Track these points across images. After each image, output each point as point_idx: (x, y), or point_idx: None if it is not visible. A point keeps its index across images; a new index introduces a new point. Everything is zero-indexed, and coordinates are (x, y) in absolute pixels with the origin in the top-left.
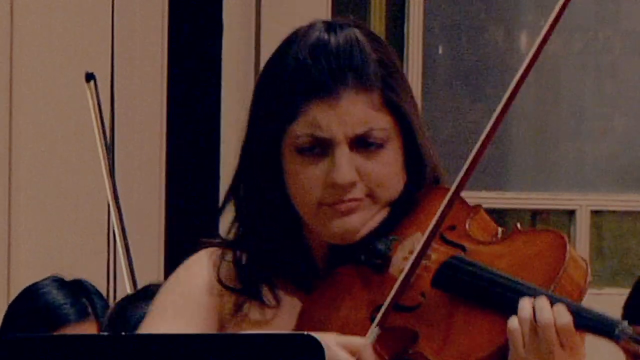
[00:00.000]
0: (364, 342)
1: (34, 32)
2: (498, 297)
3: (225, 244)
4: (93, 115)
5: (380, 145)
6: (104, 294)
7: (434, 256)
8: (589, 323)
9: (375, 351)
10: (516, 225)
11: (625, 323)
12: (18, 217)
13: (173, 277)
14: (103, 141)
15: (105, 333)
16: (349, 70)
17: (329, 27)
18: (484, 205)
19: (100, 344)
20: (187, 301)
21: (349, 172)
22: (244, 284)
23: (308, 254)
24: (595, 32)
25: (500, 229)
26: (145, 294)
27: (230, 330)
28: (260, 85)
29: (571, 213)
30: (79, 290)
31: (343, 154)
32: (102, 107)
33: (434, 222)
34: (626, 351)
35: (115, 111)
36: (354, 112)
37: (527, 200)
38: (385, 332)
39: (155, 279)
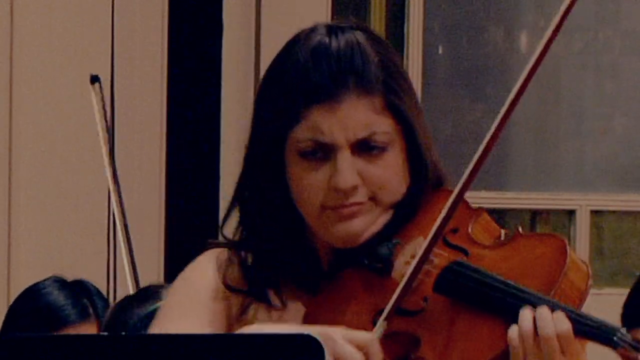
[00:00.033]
0: (371, 337)
1: (34, 32)
2: (499, 302)
3: (231, 245)
4: (97, 118)
5: (382, 149)
6: (104, 294)
7: (436, 260)
8: (588, 330)
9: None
10: (518, 229)
11: (624, 330)
12: (18, 217)
13: (180, 278)
14: (108, 144)
15: (105, 333)
16: (350, 74)
17: (330, 30)
18: (484, 206)
19: (100, 344)
20: (194, 302)
21: (351, 176)
22: (250, 286)
23: (313, 256)
24: (595, 32)
25: (503, 231)
26: (145, 295)
27: (237, 331)
28: (262, 89)
29: (571, 213)
30: (80, 290)
31: (345, 158)
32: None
33: (435, 227)
34: (624, 358)
35: (115, 111)
36: (355, 116)
37: (527, 200)
38: (388, 336)
39: (155, 279)
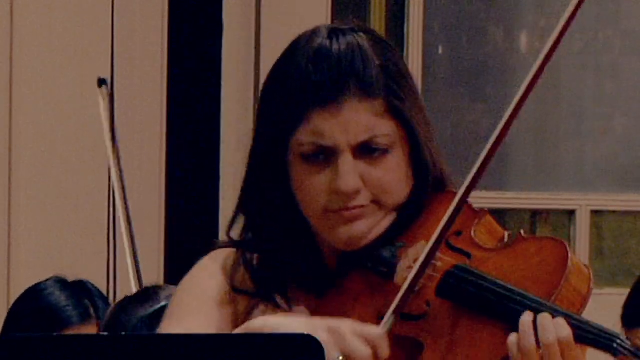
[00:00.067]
0: (380, 332)
1: (34, 32)
2: (500, 308)
3: (237, 246)
4: (104, 120)
5: (384, 151)
6: (104, 294)
7: (439, 264)
8: (589, 336)
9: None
10: (520, 232)
11: (624, 336)
12: (18, 217)
13: (187, 278)
14: (114, 147)
15: (105, 333)
16: (350, 78)
17: (332, 33)
18: (484, 206)
19: (100, 344)
20: (201, 302)
21: (353, 179)
22: (257, 287)
23: (318, 258)
24: (595, 32)
25: (506, 233)
26: (145, 296)
27: (245, 323)
28: (265, 92)
29: (571, 213)
30: (81, 291)
31: (346, 161)
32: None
33: (437, 231)
34: None
35: (115, 111)
36: (356, 119)
37: (527, 200)
38: (391, 340)
39: (155, 279)
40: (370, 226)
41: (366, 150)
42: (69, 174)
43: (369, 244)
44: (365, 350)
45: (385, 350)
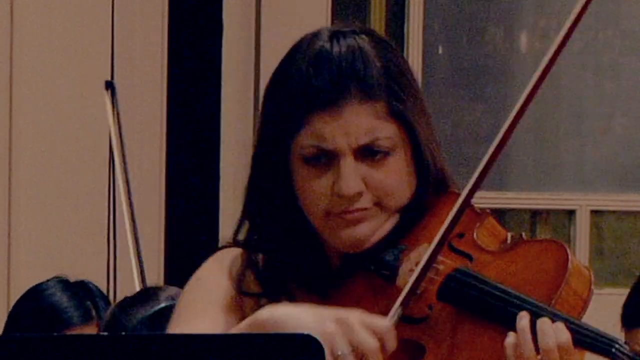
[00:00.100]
0: (387, 324)
1: (34, 32)
2: (501, 311)
3: (242, 246)
4: (111, 123)
5: (386, 154)
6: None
7: (440, 267)
8: (587, 340)
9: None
10: (521, 234)
11: (622, 341)
12: (18, 217)
13: (193, 281)
14: (121, 150)
15: (105, 333)
16: (351, 81)
17: (333, 35)
18: (484, 206)
19: (100, 344)
20: (209, 302)
21: (355, 182)
22: (264, 288)
23: (323, 260)
24: (595, 32)
25: (509, 235)
26: (145, 297)
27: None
28: (267, 95)
29: (571, 213)
30: (83, 292)
31: (348, 164)
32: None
33: (439, 235)
34: None
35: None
36: (357, 122)
37: (527, 200)
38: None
39: (155, 279)
40: (373, 228)
41: (368, 153)
42: (69, 174)
43: (372, 246)
44: (373, 342)
45: (392, 342)
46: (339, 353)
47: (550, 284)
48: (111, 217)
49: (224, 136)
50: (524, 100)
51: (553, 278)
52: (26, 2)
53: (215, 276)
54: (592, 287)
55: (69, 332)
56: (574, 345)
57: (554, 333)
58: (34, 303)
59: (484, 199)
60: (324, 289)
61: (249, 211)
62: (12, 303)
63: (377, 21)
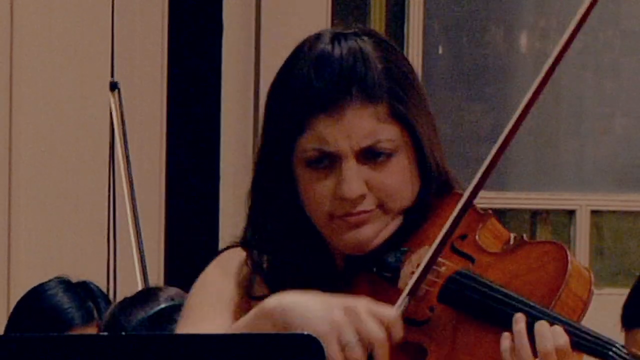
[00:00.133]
0: (394, 314)
1: (34, 32)
2: (501, 314)
3: (248, 246)
4: (116, 124)
5: (388, 156)
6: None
7: (442, 270)
8: (585, 343)
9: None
10: (522, 236)
11: (619, 344)
12: (18, 217)
13: (200, 282)
14: (125, 153)
15: (105, 333)
16: (352, 83)
17: (334, 37)
18: (484, 206)
19: (100, 344)
20: (217, 305)
21: (357, 185)
22: (272, 290)
23: (329, 260)
24: (595, 32)
25: (512, 236)
26: (144, 297)
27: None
28: (269, 98)
29: (571, 213)
30: (85, 293)
31: (350, 167)
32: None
33: (439, 237)
34: None
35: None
36: (359, 125)
37: (527, 200)
38: (395, 346)
39: (155, 279)
40: (377, 231)
41: (370, 155)
42: (69, 174)
43: (376, 248)
44: (380, 332)
45: (399, 332)
46: (347, 342)
47: (550, 287)
48: (111, 217)
49: (224, 136)
50: (528, 101)
51: (553, 280)
52: (26, 2)
53: (221, 279)
54: (592, 288)
55: (70, 333)
56: (572, 348)
57: (552, 336)
58: (35, 303)
59: (484, 199)
60: (329, 291)
61: (253, 213)
62: (12, 303)
63: (377, 21)
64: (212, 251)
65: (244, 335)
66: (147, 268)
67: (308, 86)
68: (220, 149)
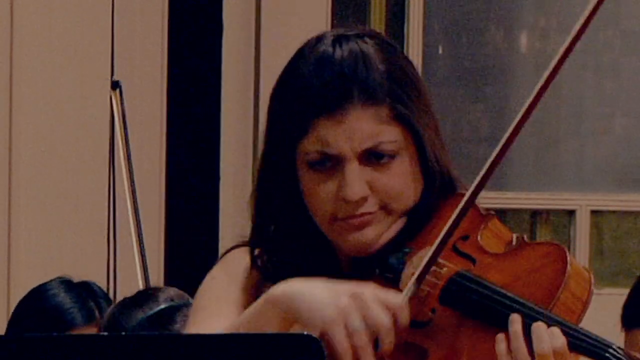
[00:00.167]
0: (401, 300)
1: (34, 32)
2: (500, 315)
3: (254, 247)
4: (117, 123)
5: (391, 157)
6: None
7: (443, 271)
8: (582, 345)
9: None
10: (523, 237)
11: (616, 346)
12: (18, 217)
13: (208, 280)
14: (126, 151)
15: (105, 333)
16: (353, 85)
17: (336, 39)
18: (484, 206)
19: (100, 344)
20: (225, 302)
21: (359, 187)
22: None
23: (335, 262)
24: (595, 32)
25: (515, 236)
26: (144, 298)
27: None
28: (272, 99)
29: (571, 213)
30: (86, 293)
31: (352, 169)
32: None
33: (439, 238)
34: None
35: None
36: (361, 127)
37: (527, 200)
38: (397, 347)
39: (155, 279)
40: (380, 232)
41: (372, 157)
42: (69, 174)
43: (380, 250)
44: (386, 318)
45: (405, 319)
46: (353, 327)
47: (549, 288)
48: (111, 217)
49: (224, 136)
50: (531, 101)
51: (552, 282)
52: (26, 2)
53: (227, 279)
54: (592, 289)
55: (72, 333)
56: (569, 349)
57: (549, 338)
58: (37, 303)
59: (484, 199)
60: None
61: (258, 215)
62: (12, 303)
63: (377, 21)
64: (212, 251)
65: (244, 335)
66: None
67: (309, 88)
68: (220, 149)
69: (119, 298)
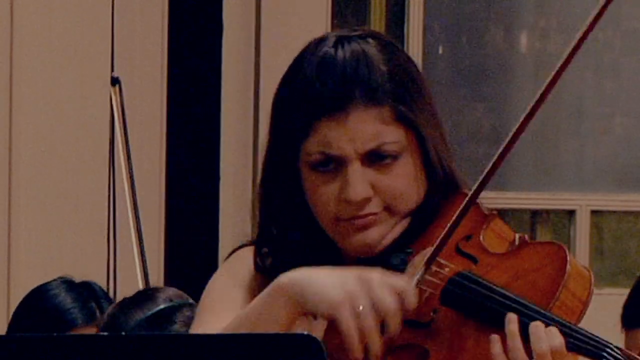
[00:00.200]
0: (408, 283)
1: (34, 32)
2: (500, 315)
3: (259, 247)
4: (117, 120)
5: (394, 158)
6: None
7: (445, 271)
8: (580, 344)
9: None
10: (524, 237)
11: (614, 346)
12: (18, 217)
13: (215, 278)
14: (126, 147)
15: (105, 333)
16: (355, 86)
17: (338, 40)
18: (484, 206)
19: (100, 344)
20: (231, 302)
21: (362, 188)
22: None
23: (340, 263)
24: (595, 32)
25: (517, 236)
26: (143, 298)
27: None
28: (275, 101)
29: (571, 213)
30: (87, 293)
31: (355, 170)
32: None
33: (439, 239)
34: None
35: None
36: (363, 128)
37: (527, 200)
38: (398, 348)
39: (155, 279)
40: (383, 233)
41: (375, 158)
42: (69, 174)
43: (384, 250)
44: (392, 301)
45: (412, 301)
46: (360, 308)
47: (549, 288)
48: (111, 217)
49: (224, 136)
50: (535, 102)
51: (551, 281)
52: (26, 2)
53: (232, 280)
54: (592, 288)
55: (72, 333)
56: (567, 349)
57: (547, 337)
58: (38, 303)
59: (484, 199)
60: None
61: (262, 216)
62: (13, 303)
63: (377, 21)
64: (212, 251)
65: (244, 335)
66: (148, 268)
67: (311, 89)
68: (220, 149)
69: (119, 298)
